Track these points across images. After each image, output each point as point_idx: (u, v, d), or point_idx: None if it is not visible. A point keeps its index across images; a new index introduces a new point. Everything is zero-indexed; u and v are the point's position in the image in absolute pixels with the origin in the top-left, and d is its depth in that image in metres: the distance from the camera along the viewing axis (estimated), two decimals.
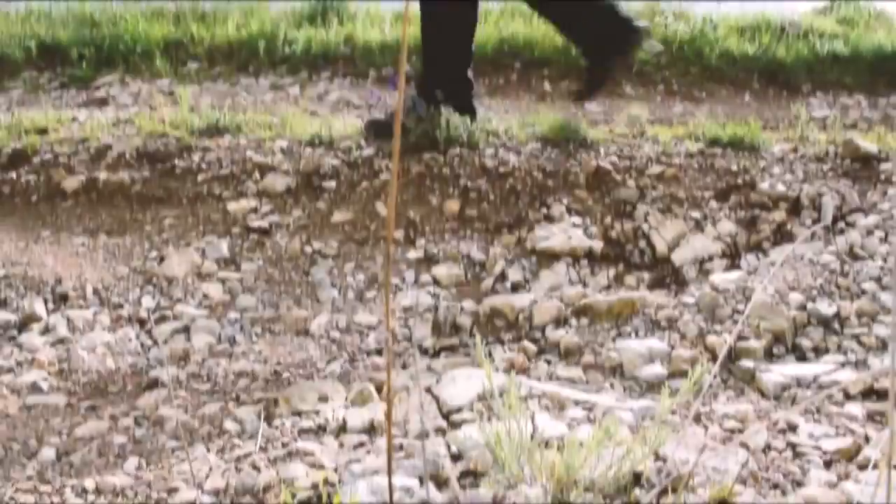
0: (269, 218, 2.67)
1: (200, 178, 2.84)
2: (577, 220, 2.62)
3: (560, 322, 2.05)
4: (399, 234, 2.64)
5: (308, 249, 2.54)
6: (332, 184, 2.80)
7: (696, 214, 2.62)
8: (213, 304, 2.30)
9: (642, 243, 2.55)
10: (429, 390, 1.70)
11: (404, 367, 2.02)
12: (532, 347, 1.98)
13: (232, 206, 2.71)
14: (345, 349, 2.08)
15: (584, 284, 2.38)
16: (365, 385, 1.81)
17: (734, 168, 2.81)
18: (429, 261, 2.54)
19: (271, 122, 3.20)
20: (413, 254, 2.56)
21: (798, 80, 4.15)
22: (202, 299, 2.33)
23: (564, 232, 2.53)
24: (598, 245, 2.52)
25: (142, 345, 2.14)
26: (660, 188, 2.72)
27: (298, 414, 1.73)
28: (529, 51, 4.19)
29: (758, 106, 3.89)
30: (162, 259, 2.50)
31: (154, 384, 1.94)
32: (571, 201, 2.70)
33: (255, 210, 2.70)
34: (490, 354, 1.96)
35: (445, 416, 1.60)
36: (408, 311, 2.23)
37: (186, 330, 2.18)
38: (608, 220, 2.63)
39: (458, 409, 1.61)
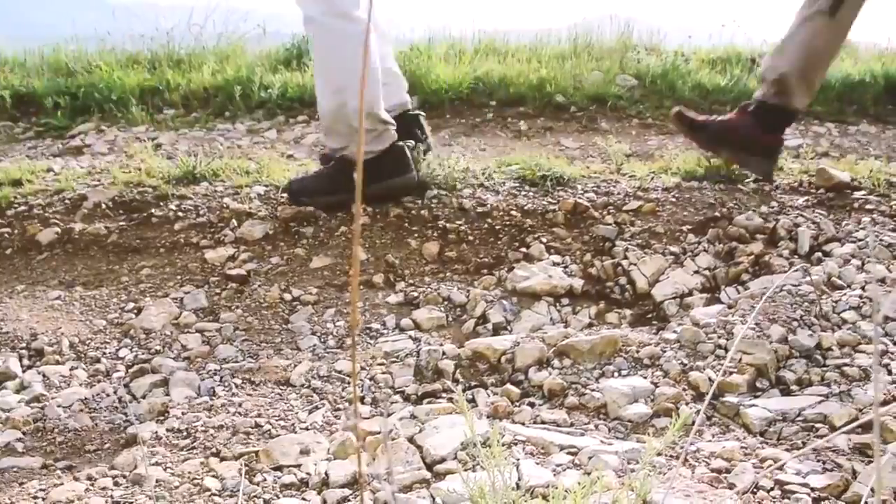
0: (248, 265, 2.65)
1: (177, 226, 2.82)
2: (556, 258, 2.62)
3: (543, 363, 2.03)
4: (379, 279, 2.63)
5: (287, 296, 2.52)
6: (310, 229, 2.79)
7: (674, 249, 2.63)
8: (191, 355, 2.27)
9: (623, 280, 2.55)
10: (411, 440, 1.67)
11: (386, 414, 1.99)
12: (515, 391, 1.96)
13: (210, 255, 2.68)
14: (326, 398, 2.05)
15: (566, 324, 2.38)
16: (347, 436, 1.78)
17: (711, 201, 2.83)
18: (409, 304, 2.53)
19: (248, 167, 3.20)
20: (393, 298, 2.54)
21: None
22: (181, 351, 2.30)
23: (544, 271, 2.53)
24: (578, 283, 2.52)
25: (119, 400, 2.10)
26: (638, 223, 2.73)
27: (280, 468, 1.70)
28: (504, 89, 4.26)
29: None
30: (139, 310, 2.46)
31: (132, 441, 1.90)
32: (550, 239, 2.70)
33: (233, 258, 2.68)
34: (473, 399, 1.94)
35: (429, 467, 1.58)
36: (389, 357, 2.21)
37: (165, 383, 2.14)
38: (588, 257, 2.64)
39: (442, 460, 1.58)
